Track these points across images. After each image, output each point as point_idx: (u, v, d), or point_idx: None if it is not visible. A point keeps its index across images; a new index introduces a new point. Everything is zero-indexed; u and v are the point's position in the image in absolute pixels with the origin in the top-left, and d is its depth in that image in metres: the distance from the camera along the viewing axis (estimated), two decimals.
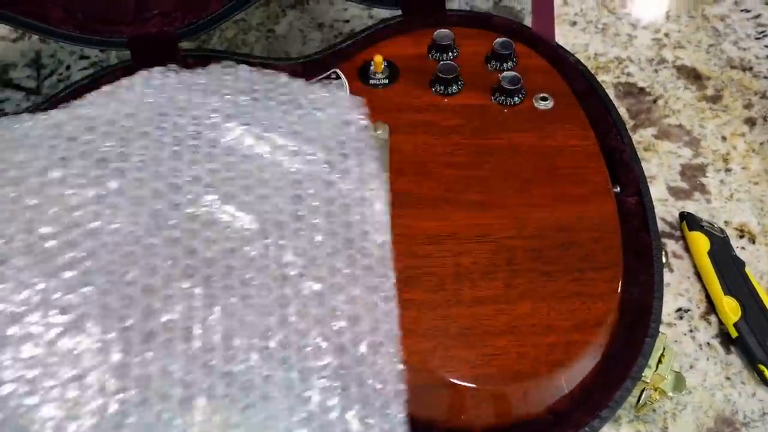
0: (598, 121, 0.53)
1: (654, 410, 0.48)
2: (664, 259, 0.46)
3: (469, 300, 0.43)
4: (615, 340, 0.43)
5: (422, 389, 0.41)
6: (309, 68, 0.59)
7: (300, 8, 0.78)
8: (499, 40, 0.55)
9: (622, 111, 0.65)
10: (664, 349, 0.42)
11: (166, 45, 0.60)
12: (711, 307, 0.53)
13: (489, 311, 0.43)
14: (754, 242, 0.56)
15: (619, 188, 0.50)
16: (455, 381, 0.40)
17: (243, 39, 0.75)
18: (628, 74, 0.68)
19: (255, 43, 0.75)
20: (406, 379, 0.41)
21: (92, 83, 0.59)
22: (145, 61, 0.60)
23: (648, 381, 0.41)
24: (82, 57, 0.76)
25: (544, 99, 0.53)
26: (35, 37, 0.79)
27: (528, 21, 0.60)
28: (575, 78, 0.56)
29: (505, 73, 0.53)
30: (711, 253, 0.53)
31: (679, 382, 0.42)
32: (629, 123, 0.64)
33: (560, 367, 0.41)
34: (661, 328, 0.51)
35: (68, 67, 0.76)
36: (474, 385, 0.40)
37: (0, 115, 0.71)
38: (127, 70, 0.60)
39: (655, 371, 0.42)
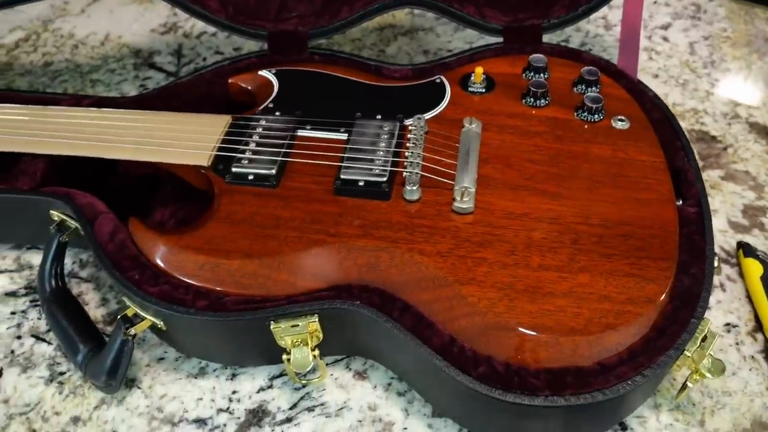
0: (669, 144, 0.59)
1: (694, 404, 0.52)
2: (715, 263, 0.51)
3: (536, 266, 0.49)
4: (665, 318, 0.48)
5: (488, 329, 0.47)
6: (417, 74, 0.68)
7: (410, 35, 0.88)
8: (587, 67, 0.63)
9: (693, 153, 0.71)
10: (707, 332, 0.47)
11: (298, 42, 0.71)
12: (759, 327, 0.57)
13: (552, 277, 0.48)
14: None
15: (681, 201, 0.55)
16: (516, 326, 0.46)
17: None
18: (702, 123, 0.74)
19: None
20: (475, 320, 0.47)
21: (231, 64, 0.71)
22: (279, 53, 0.71)
23: (689, 355, 0.46)
24: (217, 52, 0.89)
25: (621, 120, 0.60)
26: (180, 32, 0.93)
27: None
28: (652, 109, 0.63)
29: (589, 93, 0.61)
30: (764, 278, 0.57)
31: (716, 367, 0.46)
32: (699, 164, 0.70)
33: (610, 330, 0.46)
34: None
35: (204, 59, 0.88)
36: (532, 332, 0.46)
37: (143, 90, 0.84)
38: (262, 57, 0.71)
39: (698, 348, 0.46)
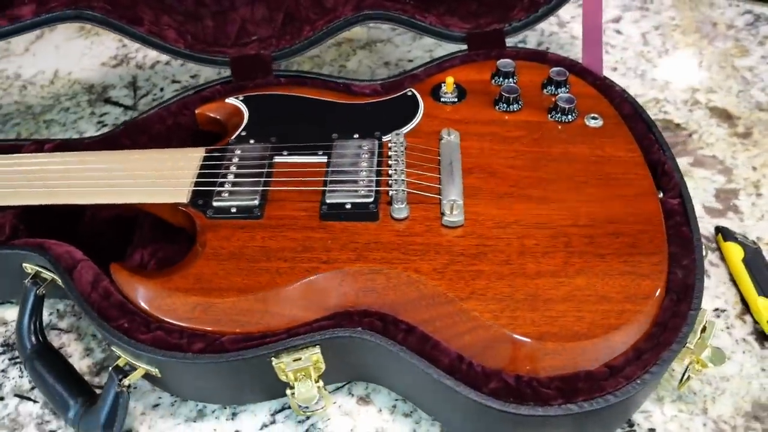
0: (643, 138, 0.60)
1: (695, 393, 0.53)
2: (704, 252, 0.52)
3: (532, 273, 0.49)
4: (664, 311, 0.48)
5: (494, 342, 0.46)
6: (387, 87, 0.68)
7: (369, 48, 0.88)
8: (555, 68, 0.64)
9: None
10: (705, 322, 0.47)
11: (262, 65, 0.70)
12: (746, 309, 0.58)
13: (550, 282, 0.49)
14: None
15: (662, 194, 0.57)
16: (521, 336, 0.46)
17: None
18: (665, 112, 0.76)
19: None
20: (480, 335, 0.47)
21: (196, 94, 0.69)
22: (243, 79, 0.70)
23: (692, 347, 0.46)
24: (174, 81, 0.87)
25: (594, 118, 0.61)
26: (132, 63, 0.90)
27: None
28: (621, 103, 0.64)
29: (561, 94, 0.61)
30: (745, 261, 0.59)
31: (717, 356, 0.47)
32: None
33: (613, 330, 0.46)
34: None
35: (162, 89, 0.86)
36: (538, 341, 0.46)
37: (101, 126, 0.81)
38: (227, 84, 0.70)
39: (699, 339, 0.47)
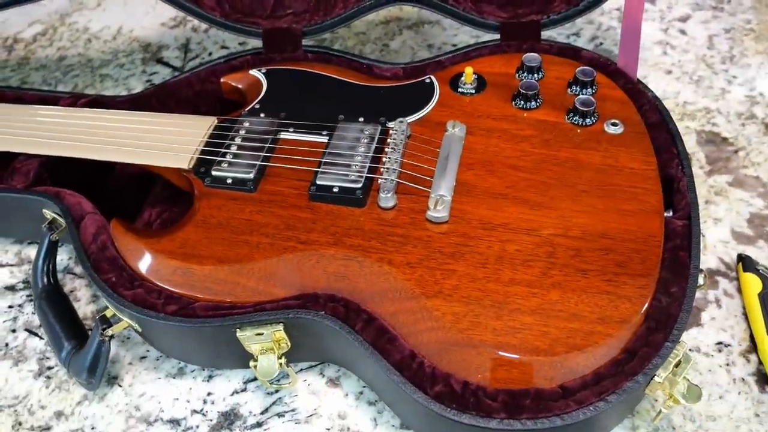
0: (664, 150, 0.56)
1: (674, 428, 0.50)
2: (701, 281, 0.48)
3: (506, 280, 0.48)
4: (636, 339, 0.45)
5: (450, 345, 0.45)
6: (408, 72, 0.66)
7: (415, 29, 0.86)
8: (581, 67, 0.60)
9: (701, 156, 0.67)
10: (682, 356, 0.44)
11: (292, 39, 0.70)
12: (753, 347, 0.54)
13: (522, 292, 0.47)
14: None
15: (671, 212, 0.53)
16: (479, 344, 0.45)
17: (360, 49, 0.85)
18: (714, 124, 0.70)
19: (370, 54, 0.84)
20: (438, 336, 0.46)
21: (226, 62, 0.71)
22: (273, 51, 0.71)
23: (661, 381, 0.43)
24: (223, 47, 0.89)
25: (614, 124, 0.57)
26: (188, 26, 0.93)
27: None
28: (650, 111, 0.59)
29: (579, 96, 0.58)
30: (762, 295, 0.54)
31: (692, 392, 0.44)
32: (705, 168, 0.66)
33: (576, 351, 0.44)
34: (698, 357, 0.53)
35: (210, 54, 0.88)
36: (494, 350, 0.44)
37: (149, 85, 0.84)
38: (256, 55, 0.71)
39: (669, 374, 0.44)
